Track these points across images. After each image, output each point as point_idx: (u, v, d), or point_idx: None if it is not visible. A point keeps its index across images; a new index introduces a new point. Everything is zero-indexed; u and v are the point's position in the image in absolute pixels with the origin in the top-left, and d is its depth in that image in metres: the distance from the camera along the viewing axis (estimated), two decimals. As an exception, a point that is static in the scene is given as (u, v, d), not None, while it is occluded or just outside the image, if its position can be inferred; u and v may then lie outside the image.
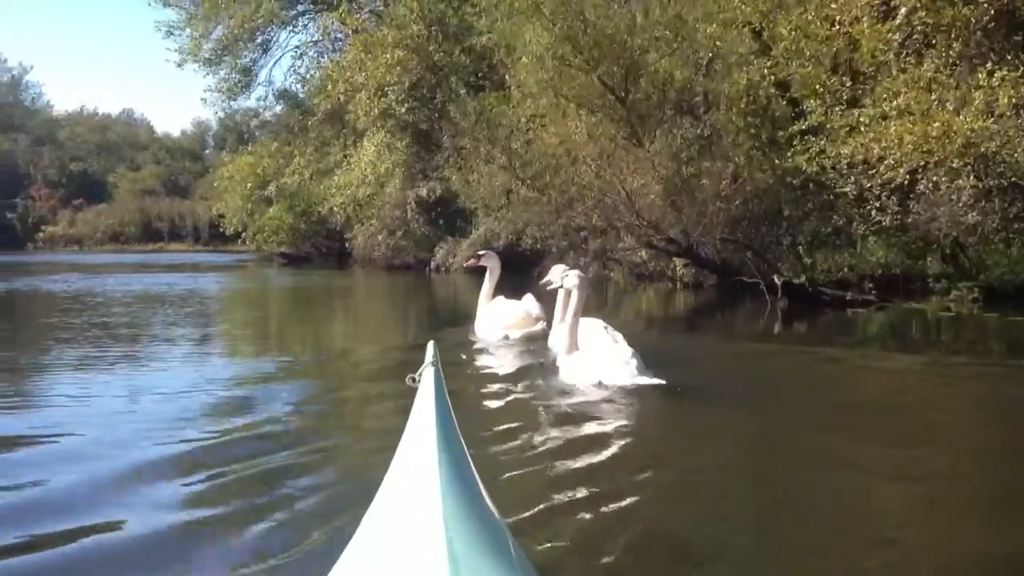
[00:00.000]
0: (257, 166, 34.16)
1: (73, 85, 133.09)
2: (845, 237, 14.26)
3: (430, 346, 2.08)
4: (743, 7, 13.10)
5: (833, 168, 12.54)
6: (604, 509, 3.30)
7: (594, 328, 6.04)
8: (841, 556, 2.97)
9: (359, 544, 1.72)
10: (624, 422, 4.91)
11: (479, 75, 22.56)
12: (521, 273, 21.05)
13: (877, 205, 12.12)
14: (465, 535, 1.45)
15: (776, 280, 12.23)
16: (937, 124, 10.52)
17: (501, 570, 1.47)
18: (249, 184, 34.24)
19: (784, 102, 14.08)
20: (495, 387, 6.03)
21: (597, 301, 17.07)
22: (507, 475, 3.68)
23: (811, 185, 13.73)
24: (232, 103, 33.38)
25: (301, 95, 33.74)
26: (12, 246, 59.62)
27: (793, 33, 12.63)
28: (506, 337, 7.94)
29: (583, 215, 13.71)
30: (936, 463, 4.26)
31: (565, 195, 14.06)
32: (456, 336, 8.59)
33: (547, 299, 7.83)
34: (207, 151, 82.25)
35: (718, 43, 14.03)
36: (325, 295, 19.12)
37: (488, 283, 8.70)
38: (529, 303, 8.26)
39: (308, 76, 32.66)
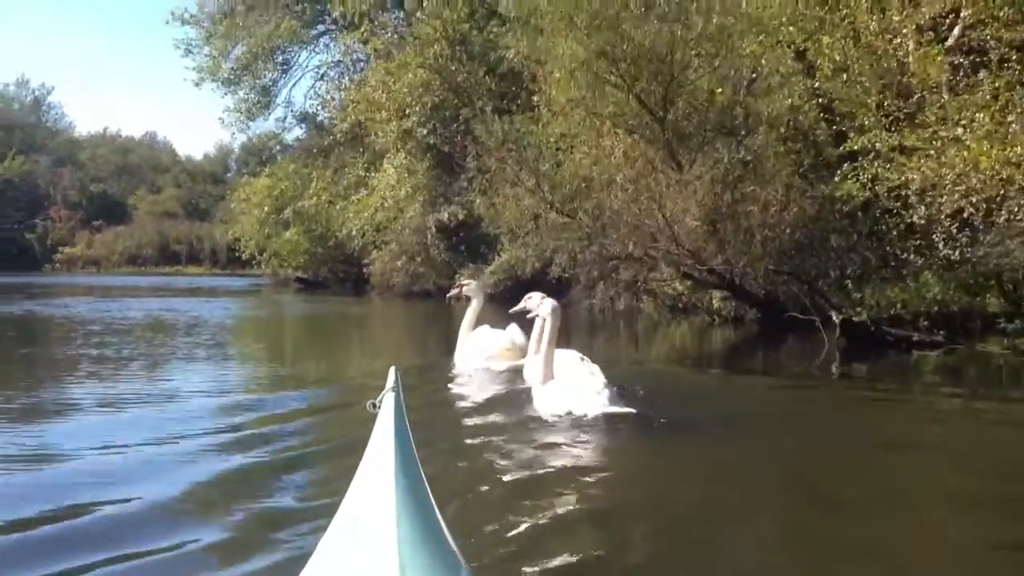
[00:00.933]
0: (274, 188, 33.37)
1: (97, 108, 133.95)
2: (893, 271, 13.17)
3: (391, 372, 2.10)
4: (786, 26, 12.13)
5: (889, 195, 11.51)
6: (557, 538, 3.33)
7: (569, 359, 5.95)
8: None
9: (315, 567, 1.70)
10: (592, 454, 4.86)
11: (505, 96, 21.65)
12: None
13: (944, 236, 11.00)
14: (419, 561, 1.44)
15: (834, 317, 11.09)
16: (1018, 149, 9.45)
17: None
18: (266, 207, 33.45)
19: (827, 125, 13.04)
20: (465, 416, 6.02)
21: (627, 335, 16.10)
22: (464, 503, 3.67)
23: (859, 214, 12.69)
24: (251, 123, 32.62)
25: (321, 116, 32.98)
26: (30, 267, 59.24)
27: (838, 54, 11.63)
28: (488, 368, 7.69)
29: (618, 242, 12.66)
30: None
31: (598, 221, 13.03)
32: (441, 366, 8.34)
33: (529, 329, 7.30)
34: (229, 175, 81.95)
35: (762, 61, 13.05)
36: (340, 324, 18.19)
37: (471, 313, 8.52)
38: (514, 333, 7.96)
39: (328, 97, 31.87)
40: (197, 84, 32.16)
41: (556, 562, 3.06)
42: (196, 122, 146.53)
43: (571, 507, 3.76)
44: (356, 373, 8.34)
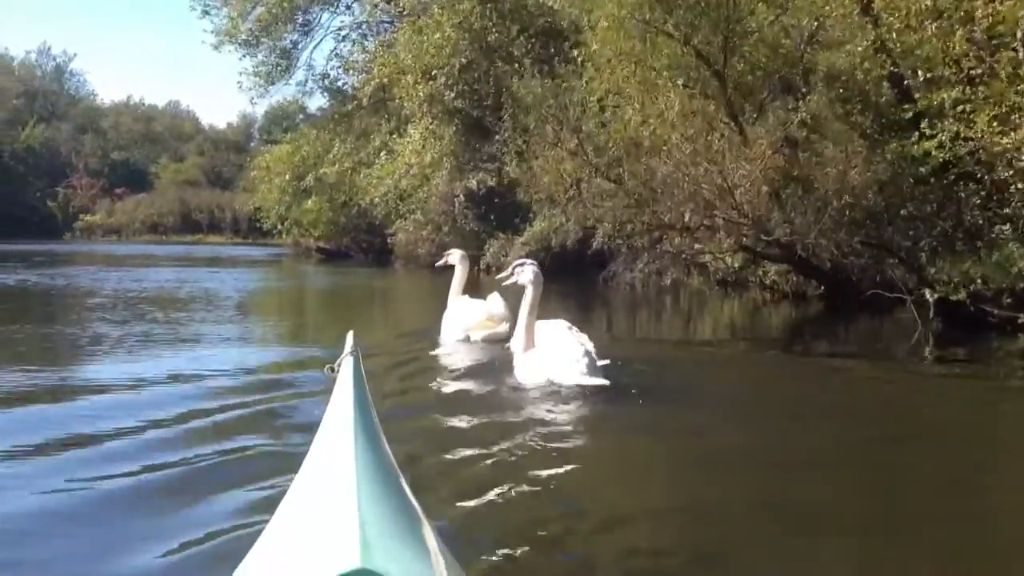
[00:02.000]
0: (295, 155, 32.06)
1: (121, 77, 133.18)
2: (969, 242, 11.81)
3: (349, 336, 2.10)
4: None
5: (971, 157, 10.19)
6: (518, 501, 3.33)
7: (557, 328, 5.78)
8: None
9: (274, 529, 1.67)
10: (562, 423, 4.80)
11: (541, 55, 20.20)
12: (582, 277, 18.98)
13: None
14: (379, 520, 1.41)
15: (928, 295, 9.75)
16: None
17: (415, 555, 1.46)
18: (287, 175, 32.17)
19: (893, 84, 11.61)
20: (441, 386, 5.91)
21: (674, 311, 14.84)
22: (429, 466, 3.68)
23: (932, 180, 11.33)
24: (270, 88, 31.19)
25: (343, 81, 31.59)
26: (51, 235, 58.59)
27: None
28: (467, 338, 7.72)
29: (671, 210, 11.35)
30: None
31: (647, 186, 11.71)
32: (430, 336, 8.08)
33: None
34: (252, 144, 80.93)
35: (825, 9, 11.62)
36: (363, 298, 17.05)
37: (456, 282, 8.44)
38: (493, 303, 7.94)
39: (351, 59, 30.43)
40: (215, 47, 30.78)
41: (509, 526, 3.10)
42: (219, 91, 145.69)
43: (528, 473, 3.70)
44: (379, 351, 7.42)
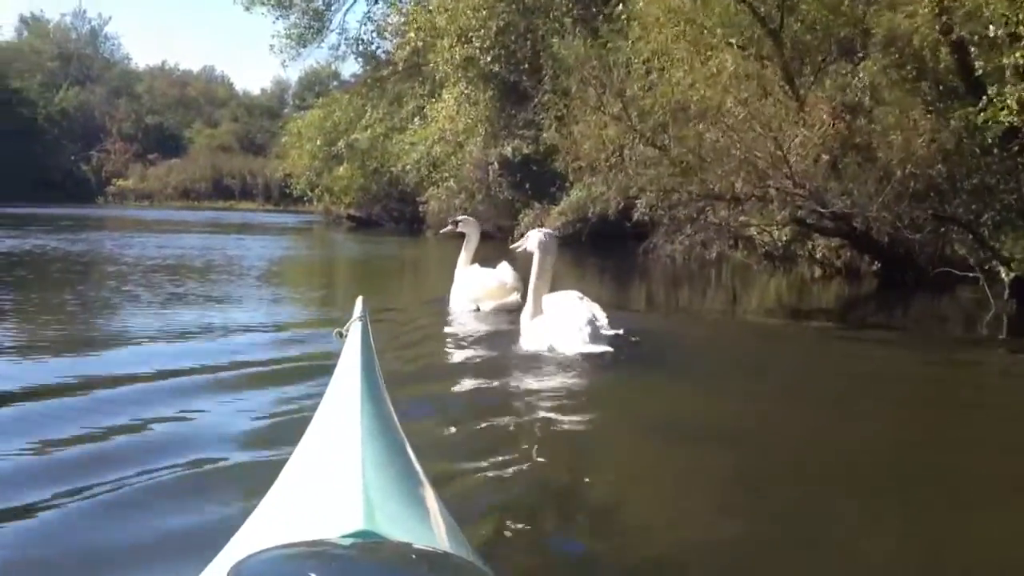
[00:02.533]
0: (327, 120, 31.45)
1: (156, 41, 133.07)
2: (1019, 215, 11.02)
3: (358, 301, 2.11)
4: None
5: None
6: (511, 470, 3.24)
7: (567, 298, 5.63)
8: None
9: (278, 491, 1.62)
10: (563, 391, 4.66)
11: (582, 15, 19.40)
12: (621, 249, 18.32)
13: None
14: (383, 483, 1.40)
15: (1003, 274, 9.00)
16: None
17: (418, 518, 1.46)
18: (318, 140, 31.59)
19: (953, 49, 10.77)
20: (443, 354, 5.86)
21: (718, 286, 14.17)
22: (423, 432, 3.45)
23: (995, 150, 10.52)
24: (302, 50, 30.55)
25: (376, 44, 30.89)
26: (85, 199, 58.71)
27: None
28: (477, 309, 7.49)
29: (722, 179, 10.63)
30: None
31: (695, 153, 11.00)
32: (438, 306, 7.90)
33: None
34: (286, 110, 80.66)
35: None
36: (394, 267, 16.52)
37: (465, 251, 8.10)
38: (503, 272, 7.65)
39: (385, 22, 29.70)
40: (247, 8, 30.21)
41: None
42: (254, 57, 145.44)
43: (525, 441, 3.64)
44: (387, 319, 7.14)
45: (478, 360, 5.63)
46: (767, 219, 13.21)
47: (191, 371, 4.71)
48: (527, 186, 21.64)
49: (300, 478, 1.63)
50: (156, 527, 2.61)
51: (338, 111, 31.14)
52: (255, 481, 2.04)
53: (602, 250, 18.06)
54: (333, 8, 30.47)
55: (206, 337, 6.22)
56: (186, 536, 2.47)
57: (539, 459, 3.43)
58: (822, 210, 10.53)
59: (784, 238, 14.25)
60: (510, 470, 3.27)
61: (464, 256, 8.07)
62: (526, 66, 22.11)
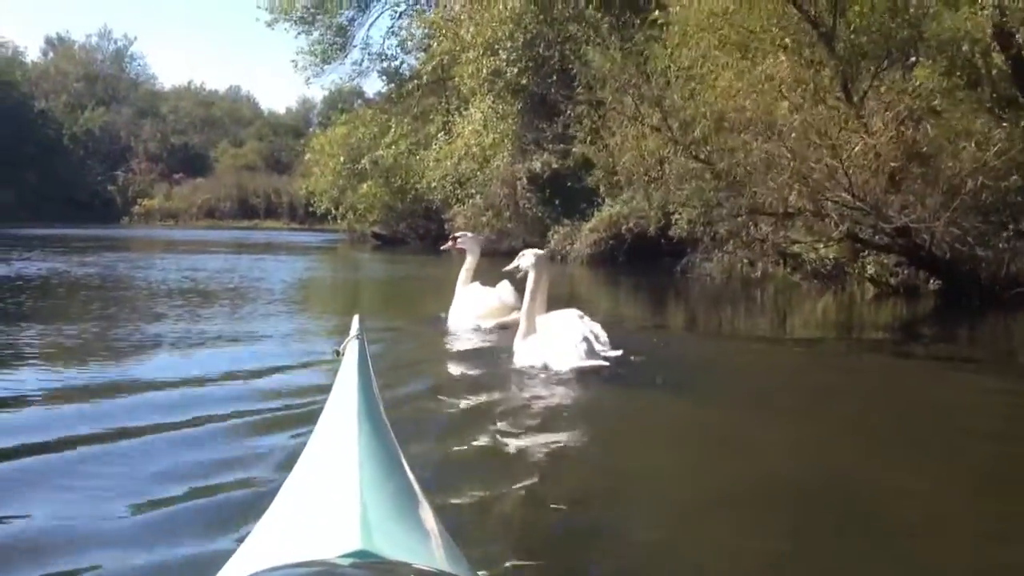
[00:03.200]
0: (350, 137, 30.94)
1: (182, 62, 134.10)
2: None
3: (355, 320, 2.11)
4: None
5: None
6: (507, 490, 3.25)
7: (567, 316, 5.64)
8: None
9: (276, 510, 1.64)
10: (557, 408, 4.63)
11: (615, 16, 18.70)
12: (655, 267, 17.56)
13: None
14: (380, 502, 1.41)
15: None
16: None
17: (416, 538, 1.46)
18: (341, 157, 31.07)
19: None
20: (441, 373, 5.85)
21: (762, 305, 13.36)
22: (423, 454, 3.51)
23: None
24: (326, 67, 30.11)
25: (400, 59, 30.41)
26: (111, 219, 58.68)
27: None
28: (477, 327, 7.46)
29: (774, 192, 9.85)
30: None
31: (743, 165, 10.24)
32: (440, 324, 7.86)
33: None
34: (311, 128, 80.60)
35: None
36: (418, 289, 15.82)
37: (466, 269, 8.05)
38: (503, 290, 7.57)
39: (408, 34, 29.22)
40: (269, 24, 29.91)
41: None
42: (280, 76, 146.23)
43: (521, 460, 3.69)
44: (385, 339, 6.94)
45: (472, 378, 5.63)
46: (816, 235, 12.43)
47: (205, 419, 4.25)
48: (557, 202, 20.92)
49: (297, 498, 1.63)
50: (164, 547, 2.61)
51: (362, 127, 30.65)
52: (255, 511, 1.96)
53: (636, 268, 17.32)
54: (356, 23, 30.12)
55: (226, 380, 5.45)
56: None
57: (535, 478, 3.41)
58: (885, 225, 9.73)
59: (833, 255, 13.47)
60: (506, 489, 3.25)
61: (464, 274, 8.04)
62: (555, 78, 21.49)
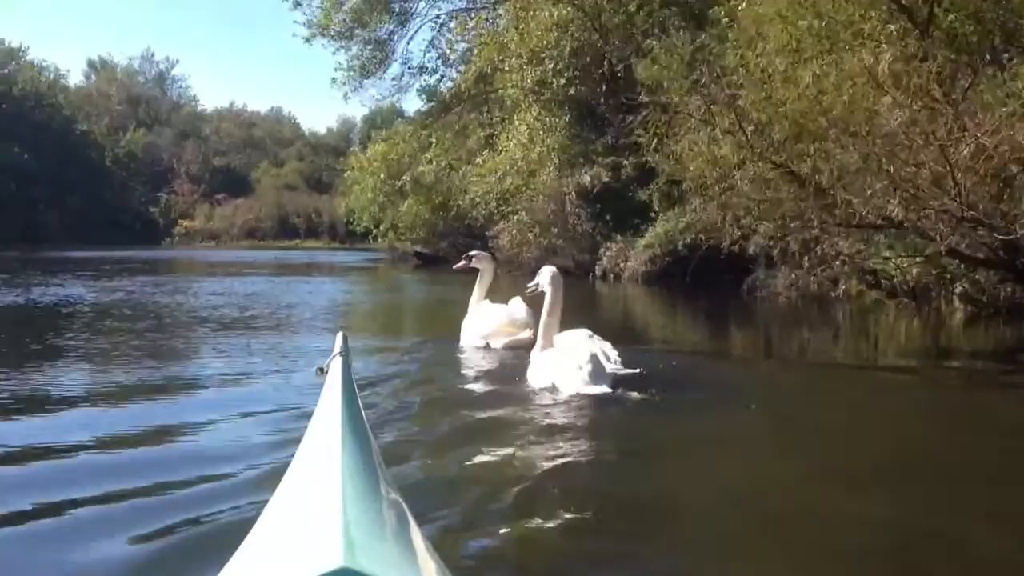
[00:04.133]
0: (390, 153, 30.08)
1: (224, 83, 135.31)
2: None
3: (338, 337, 2.09)
4: None
5: None
6: (498, 508, 3.25)
7: (578, 335, 5.63)
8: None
9: (260, 530, 1.63)
10: (560, 428, 4.58)
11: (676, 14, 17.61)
12: (717, 285, 16.40)
13: None
14: (364, 520, 1.38)
15: None
16: None
17: (401, 556, 1.44)
18: (382, 174, 30.22)
19: None
20: (446, 390, 5.79)
21: (846, 327, 12.16)
22: (414, 467, 3.66)
23: None
24: (364, 81, 29.30)
25: (440, 72, 29.53)
26: (152, 240, 58.79)
27: None
28: (487, 346, 7.42)
29: (868, 201, 8.68)
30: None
31: (832, 171, 9.08)
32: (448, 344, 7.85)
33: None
34: (352, 148, 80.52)
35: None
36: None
37: (478, 287, 8.00)
38: (515, 308, 7.55)
39: (451, 44, 28.29)
40: (307, 40, 29.17)
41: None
42: (321, 97, 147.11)
43: (518, 478, 3.61)
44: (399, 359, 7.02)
45: (475, 396, 5.63)
46: (907, 248, 11.22)
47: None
48: (608, 217, 19.75)
49: (280, 517, 1.61)
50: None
51: (401, 143, 29.79)
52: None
53: (696, 287, 16.19)
54: (396, 37, 29.28)
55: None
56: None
57: (527, 497, 3.38)
58: (997, 237, 8.50)
59: (915, 271, 12.25)
60: (496, 508, 3.25)
61: (477, 292, 7.98)
62: (604, 88, 20.47)
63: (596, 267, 19.54)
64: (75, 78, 72.44)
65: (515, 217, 22.53)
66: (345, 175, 35.39)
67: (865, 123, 8.51)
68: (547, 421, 4.72)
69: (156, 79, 78.52)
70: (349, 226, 38.27)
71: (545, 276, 6.19)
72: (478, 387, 5.99)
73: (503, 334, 7.43)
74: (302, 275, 23.95)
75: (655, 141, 11.20)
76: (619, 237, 19.20)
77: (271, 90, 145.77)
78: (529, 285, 6.47)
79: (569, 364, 5.30)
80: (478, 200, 23.89)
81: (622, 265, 18.68)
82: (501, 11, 23.68)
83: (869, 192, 8.55)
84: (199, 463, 3.79)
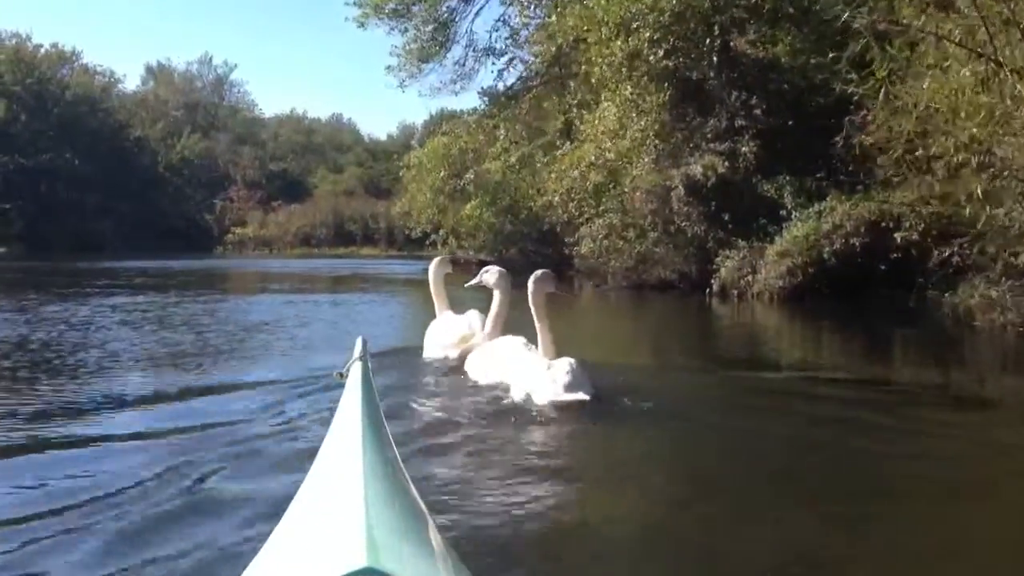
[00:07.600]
0: (452, 147, 26.28)
1: (283, 87, 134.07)
2: None
3: (358, 341, 2.10)
4: None
5: None
6: (498, 511, 3.27)
7: (513, 344, 5.73)
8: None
9: (282, 531, 1.64)
10: (562, 436, 4.68)
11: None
12: (863, 298, 12.60)
13: None
14: (386, 521, 1.41)
15: None
16: None
17: (422, 555, 1.46)
18: (441, 172, 26.47)
19: None
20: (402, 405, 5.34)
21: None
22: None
23: None
24: (424, 66, 25.65)
25: (511, 53, 25.72)
26: (205, 248, 56.58)
27: None
28: (446, 357, 6.94)
29: None
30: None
31: None
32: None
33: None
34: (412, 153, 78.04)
35: None
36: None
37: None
38: (472, 318, 7.12)
39: (524, 18, 24.49)
40: (360, 24, 25.74)
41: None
42: (382, 102, 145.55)
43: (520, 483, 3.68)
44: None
45: (431, 408, 5.41)
46: None
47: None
48: (725, 217, 15.66)
49: (303, 518, 1.62)
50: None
51: (465, 135, 26.03)
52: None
53: (839, 301, 12.54)
54: (459, 15, 25.66)
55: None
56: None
57: (539, 501, 3.42)
58: None
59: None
60: (509, 511, 3.27)
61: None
62: (713, 59, 16.65)
63: (712, 281, 15.44)
64: (133, 83, 70.83)
65: (600, 220, 18.65)
66: (401, 173, 31.70)
67: None
68: (545, 429, 4.73)
69: (214, 84, 76.61)
70: (407, 232, 34.88)
71: (491, 276, 6.52)
72: (431, 401, 5.65)
73: (460, 344, 6.97)
74: (361, 292, 20.33)
75: (881, 89, 7.15)
76: (741, 242, 15.10)
77: (333, 97, 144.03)
78: (471, 282, 6.68)
79: (540, 375, 5.17)
80: (555, 200, 20.08)
81: (749, 279, 14.58)
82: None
83: None
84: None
